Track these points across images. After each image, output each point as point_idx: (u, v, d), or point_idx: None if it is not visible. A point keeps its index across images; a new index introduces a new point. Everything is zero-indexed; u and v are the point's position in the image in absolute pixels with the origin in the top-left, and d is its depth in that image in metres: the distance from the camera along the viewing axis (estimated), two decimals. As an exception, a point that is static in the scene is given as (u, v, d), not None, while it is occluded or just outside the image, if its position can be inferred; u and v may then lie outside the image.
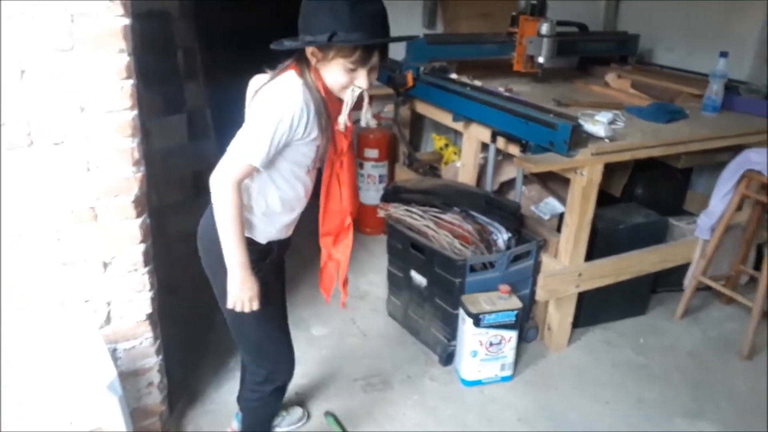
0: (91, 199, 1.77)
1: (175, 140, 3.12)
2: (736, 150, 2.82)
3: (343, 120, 1.57)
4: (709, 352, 2.81)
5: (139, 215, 1.87)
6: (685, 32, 3.65)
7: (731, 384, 2.61)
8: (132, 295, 1.94)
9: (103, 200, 1.79)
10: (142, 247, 1.91)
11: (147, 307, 1.99)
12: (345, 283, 1.88)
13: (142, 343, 2.03)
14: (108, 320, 1.93)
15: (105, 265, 1.87)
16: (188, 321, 2.79)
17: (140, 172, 1.86)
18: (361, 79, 1.50)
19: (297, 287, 3.13)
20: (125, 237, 1.86)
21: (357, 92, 1.52)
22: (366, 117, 1.65)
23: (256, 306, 1.64)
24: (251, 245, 1.63)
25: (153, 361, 2.07)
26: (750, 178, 2.72)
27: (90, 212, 1.78)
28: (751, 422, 2.40)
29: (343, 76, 1.50)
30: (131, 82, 1.74)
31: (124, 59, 1.69)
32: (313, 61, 1.51)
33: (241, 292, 1.62)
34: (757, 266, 3.00)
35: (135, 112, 1.78)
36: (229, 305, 1.65)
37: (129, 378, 2.02)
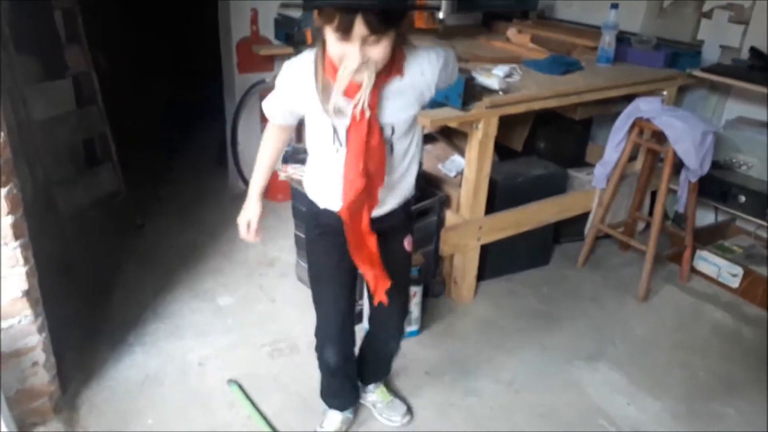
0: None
1: (60, 108, 2.92)
2: (630, 100, 2.91)
3: (331, 103, 1.43)
4: (608, 296, 2.93)
5: (3, 184, 1.73)
6: (582, -14, 3.72)
7: (628, 325, 2.73)
8: (4, 271, 1.81)
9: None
10: (10, 219, 1.77)
11: (23, 284, 1.86)
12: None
13: (21, 321, 1.90)
14: (-22, 299, 1.80)
15: (-31, 240, 1.73)
16: (84, 298, 2.66)
17: (1, 138, 1.72)
18: (348, 54, 1.35)
19: (202, 257, 3.04)
20: (-11, 208, 1.73)
21: (346, 70, 1.36)
22: (361, 102, 1.42)
23: (243, 232, 1.81)
24: (310, 204, 1.75)
25: (36, 339, 1.95)
26: (640, 126, 2.81)
27: (-56, 183, 1.64)
28: (644, 359, 2.52)
29: (335, 49, 1.36)
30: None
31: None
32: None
33: (239, 215, 1.80)
34: (652, 212, 3.13)
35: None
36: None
37: (10, 359, 1.90)
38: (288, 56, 3.32)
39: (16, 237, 1.81)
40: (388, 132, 1.53)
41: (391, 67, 1.46)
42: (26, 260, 1.86)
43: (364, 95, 1.40)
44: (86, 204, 3.02)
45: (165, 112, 4.65)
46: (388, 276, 1.67)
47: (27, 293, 1.89)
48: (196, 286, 2.82)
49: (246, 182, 3.76)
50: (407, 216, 1.81)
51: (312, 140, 1.62)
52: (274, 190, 3.66)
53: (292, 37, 3.14)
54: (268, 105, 1.65)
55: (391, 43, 1.38)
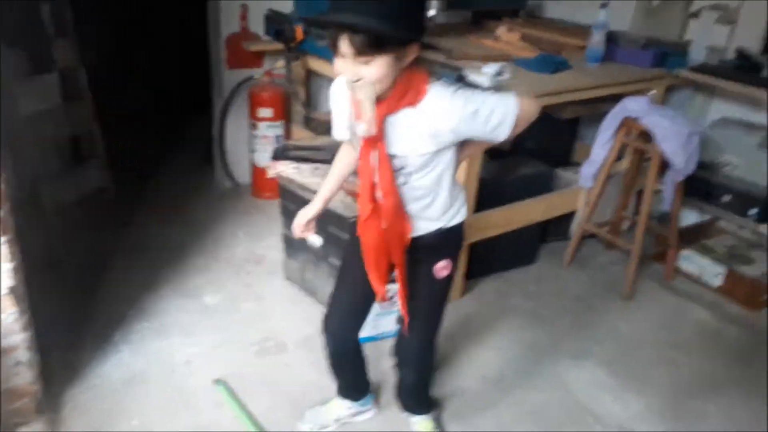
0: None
1: (47, 103, 2.89)
2: (618, 99, 2.92)
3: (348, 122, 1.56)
4: (594, 295, 2.95)
5: (-12, 180, 1.72)
6: (571, -15, 3.74)
7: (614, 324, 2.76)
8: (-12, 268, 1.80)
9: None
10: (-5, 215, 1.75)
11: (8, 280, 1.84)
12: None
13: (6, 319, 1.88)
14: (-38, 297, 1.78)
15: (-48, 237, 1.71)
16: (69, 296, 2.64)
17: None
18: (341, 69, 1.37)
19: (189, 255, 3.03)
20: (-27, 205, 1.71)
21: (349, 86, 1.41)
22: (360, 126, 1.43)
23: (297, 228, 1.83)
24: None
25: (19, 338, 1.93)
26: (628, 125, 2.83)
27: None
28: (629, 357, 2.55)
29: (335, 63, 1.38)
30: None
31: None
32: None
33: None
34: (638, 212, 3.15)
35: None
36: None
37: (-7, 358, 1.88)
38: (278, 53, 3.36)
39: (3, 233, 1.79)
40: (397, 163, 1.51)
41: (404, 96, 1.43)
42: (12, 257, 1.84)
43: (365, 116, 1.40)
44: (72, 200, 3.00)
45: (152, 107, 4.61)
46: (406, 294, 1.73)
47: (13, 290, 1.86)
48: (182, 284, 2.81)
49: (233, 180, 3.75)
50: (444, 241, 1.69)
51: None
52: (260, 187, 3.65)
53: (283, 33, 3.13)
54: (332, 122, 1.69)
55: (388, 68, 1.35)
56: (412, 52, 1.39)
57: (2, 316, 1.88)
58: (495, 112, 1.45)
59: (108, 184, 3.18)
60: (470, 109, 1.43)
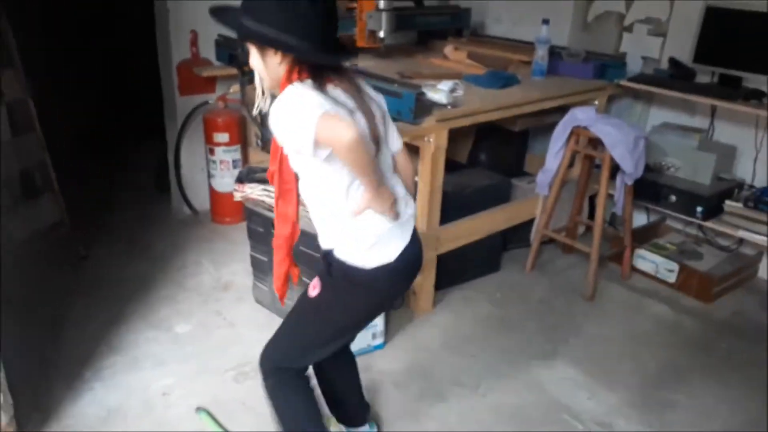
0: None
1: (-6, 138, 2.80)
2: (564, 112, 3.06)
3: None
4: (557, 298, 3.06)
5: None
6: (508, 4, 3.91)
7: (578, 323, 2.86)
8: (-43, 309, 1.72)
9: None
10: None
11: (-23, 321, 1.77)
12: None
13: (-24, 362, 1.81)
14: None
15: None
16: (32, 335, 2.54)
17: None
18: None
19: (153, 286, 2.96)
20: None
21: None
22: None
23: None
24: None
25: (-8, 380, 1.86)
26: (578, 134, 2.98)
27: None
28: (597, 354, 2.65)
29: None
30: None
31: None
32: None
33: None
34: (591, 216, 3.30)
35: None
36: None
37: (-36, 403, 1.80)
38: (231, 77, 3.36)
39: (-31, 273, 1.73)
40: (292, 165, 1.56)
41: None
42: (-20, 297, 1.77)
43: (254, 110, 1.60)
44: (28, 235, 2.89)
45: (98, 136, 4.50)
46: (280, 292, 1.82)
47: (-18, 331, 1.80)
48: (150, 315, 2.74)
49: (191, 207, 3.70)
50: (329, 266, 1.62)
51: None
52: (220, 212, 3.62)
53: (236, 57, 3.13)
54: None
55: (255, 59, 1.50)
56: (282, 57, 1.46)
57: (-28, 358, 1.80)
58: (290, 129, 1.41)
59: (62, 218, 3.08)
60: (274, 119, 1.42)
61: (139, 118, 4.11)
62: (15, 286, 2.74)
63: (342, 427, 2.07)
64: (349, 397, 2.03)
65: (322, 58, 1.49)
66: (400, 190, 1.64)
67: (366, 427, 2.07)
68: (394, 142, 1.68)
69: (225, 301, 2.89)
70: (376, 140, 1.54)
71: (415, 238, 1.65)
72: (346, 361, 1.97)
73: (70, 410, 2.20)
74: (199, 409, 2.21)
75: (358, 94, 1.52)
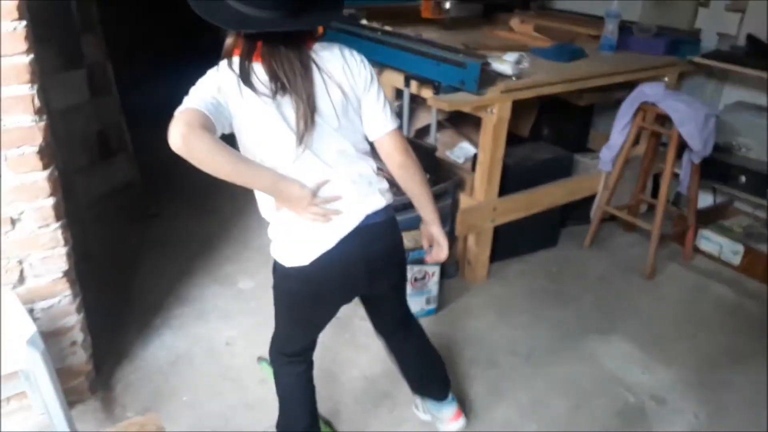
0: (-9, 149, 1.67)
1: (75, 98, 2.95)
2: (631, 88, 3.00)
3: None
4: (615, 275, 3.03)
5: (45, 167, 1.78)
6: (581, -24, 3.83)
7: (636, 301, 2.83)
8: (45, 251, 1.86)
9: (4, 152, 1.69)
10: (51, 200, 1.82)
11: (63, 264, 1.91)
12: None
13: (61, 301, 1.95)
14: (22, 279, 1.85)
15: (13, 221, 1.78)
16: (107, 285, 2.70)
17: (43, 121, 1.76)
18: None
19: (219, 244, 3.10)
20: (32, 191, 1.77)
21: None
22: None
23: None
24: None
25: (74, 319, 2.00)
26: (645, 110, 2.91)
27: (-8, 165, 1.68)
28: (654, 332, 2.62)
29: None
30: (24, 23, 1.64)
31: (14, -2, 1.59)
32: None
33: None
34: (655, 195, 3.24)
35: (31, 56, 1.68)
36: (444, 255, 1.75)
37: (50, 338, 1.94)
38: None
39: (57, 218, 1.86)
40: None
41: None
42: (66, 241, 1.91)
43: None
44: (104, 193, 3.06)
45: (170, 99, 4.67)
46: None
47: (66, 273, 1.93)
48: (215, 271, 2.87)
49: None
50: None
51: None
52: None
53: (304, 27, 3.19)
54: None
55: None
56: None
57: (57, 298, 1.95)
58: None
59: (136, 178, 3.24)
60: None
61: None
62: (93, 239, 2.92)
63: (429, 410, 2.08)
64: (421, 371, 1.99)
65: (224, 23, 1.31)
66: (351, 187, 1.49)
67: (450, 400, 2.03)
68: (375, 123, 1.53)
69: (286, 263, 2.99)
70: (305, 124, 1.39)
71: (367, 239, 1.51)
72: (405, 337, 1.93)
73: (141, 353, 2.35)
74: (260, 359, 2.32)
75: (292, 72, 1.36)
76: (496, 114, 2.55)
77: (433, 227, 1.72)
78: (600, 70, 2.91)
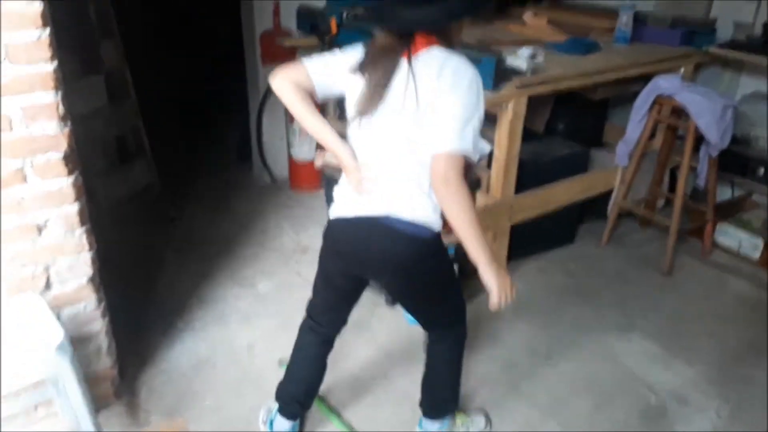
0: (17, 158, 1.69)
1: (94, 103, 2.98)
2: (647, 80, 2.98)
3: None
4: (633, 271, 3.01)
5: (70, 173, 1.81)
6: (594, -31, 3.78)
7: (655, 298, 2.82)
8: (71, 257, 1.89)
9: (30, 159, 1.72)
10: (76, 206, 1.84)
11: (88, 269, 1.94)
12: None
13: (87, 307, 1.98)
14: (48, 285, 1.88)
15: (39, 228, 1.80)
16: (128, 287, 2.73)
17: (67, 128, 1.79)
18: None
19: (238, 246, 3.12)
20: (58, 197, 1.80)
21: None
22: None
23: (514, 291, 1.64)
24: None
25: (99, 325, 2.03)
26: (661, 103, 2.89)
27: (17, 173, 1.71)
28: (674, 329, 2.61)
29: None
30: (48, 31, 1.66)
31: (37, 5, 1.61)
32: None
33: (505, 282, 1.60)
34: (672, 189, 3.22)
35: (55, 63, 1.70)
36: (497, 301, 1.61)
37: (76, 345, 1.94)
38: (312, 47, 3.43)
39: (82, 223, 1.89)
40: None
41: None
42: (90, 246, 1.94)
43: None
44: (124, 196, 3.09)
45: (185, 105, 4.71)
46: None
47: (92, 278, 1.96)
48: (235, 273, 2.90)
49: (271, 174, 3.83)
50: None
51: None
52: (299, 181, 3.74)
53: (317, 27, 3.20)
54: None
55: None
56: None
57: (83, 304, 1.97)
58: None
59: (154, 181, 3.27)
60: None
61: (223, 87, 4.25)
62: (113, 243, 2.95)
63: (469, 426, 2.09)
64: (426, 388, 2.00)
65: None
66: (387, 181, 1.57)
67: (437, 425, 2.02)
68: (428, 136, 1.49)
69: (304, 263, 3.00)
70: (369, 102, 1.53)
71: (375, 233, 1.59)
72: (430, 342, 1.94)
73: (164, 357, 2.37)
74: (282, 361, 2.33)
75: (380, 57, 1.54)
76: (511, 110, 2.54)
77: (479, 269, 1.58)
78: (615, 63, 2.89)
